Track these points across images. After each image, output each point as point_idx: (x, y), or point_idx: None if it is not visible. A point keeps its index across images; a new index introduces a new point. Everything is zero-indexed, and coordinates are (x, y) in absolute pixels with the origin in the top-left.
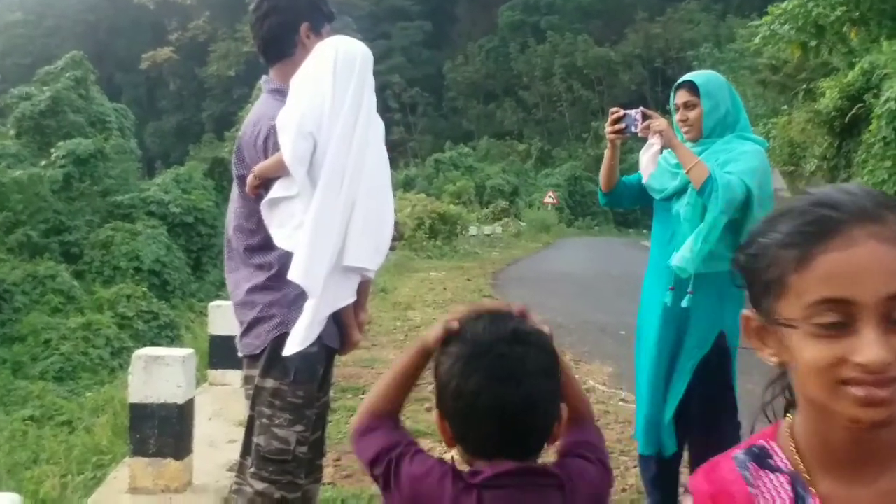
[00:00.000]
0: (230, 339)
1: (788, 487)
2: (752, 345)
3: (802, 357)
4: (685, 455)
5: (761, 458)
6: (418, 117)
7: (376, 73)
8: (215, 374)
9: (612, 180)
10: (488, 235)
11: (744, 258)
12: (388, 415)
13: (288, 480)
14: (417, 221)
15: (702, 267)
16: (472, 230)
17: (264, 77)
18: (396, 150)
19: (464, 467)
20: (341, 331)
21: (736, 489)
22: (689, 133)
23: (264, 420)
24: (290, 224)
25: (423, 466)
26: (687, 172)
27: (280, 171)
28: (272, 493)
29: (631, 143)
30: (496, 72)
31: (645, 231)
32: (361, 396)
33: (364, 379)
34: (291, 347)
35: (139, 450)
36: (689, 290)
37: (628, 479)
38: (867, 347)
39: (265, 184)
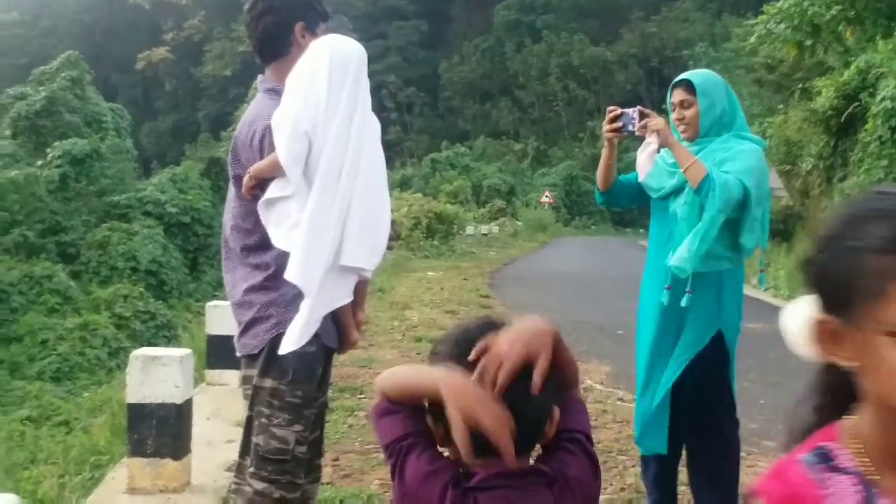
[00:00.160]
0: (228, 338)
1: (859, 488)
2: (819, 349)
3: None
4: (683, 454)
5: (827, 460)
6: (414, 117)
7: (372, 73)
8: (213, 374)
9: (609, 179)
10: (485, 235)
11: (823, 262)
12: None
13: (287, 480)
14: (414, 221)
15: (700, 266)
16: (469, 230)
17: (260, 76)
18: (393, 150)
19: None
20: (339, 330)
21: (807, 491)
22: (685, 132)
23: (263, 420)
24: (286, 224)
25: (431, 465)
26: (684, 171)
27: (276, 172)
28: (271, 493)
29: (627, 143)
30: (492, 71)
31: (642, 230)
32: (360, 396)
33: (362, 379)
34: (287, 346)
35: (137, 450)
36: (688, 289)
37: (627, 479)
38: None
39: (261, 184)
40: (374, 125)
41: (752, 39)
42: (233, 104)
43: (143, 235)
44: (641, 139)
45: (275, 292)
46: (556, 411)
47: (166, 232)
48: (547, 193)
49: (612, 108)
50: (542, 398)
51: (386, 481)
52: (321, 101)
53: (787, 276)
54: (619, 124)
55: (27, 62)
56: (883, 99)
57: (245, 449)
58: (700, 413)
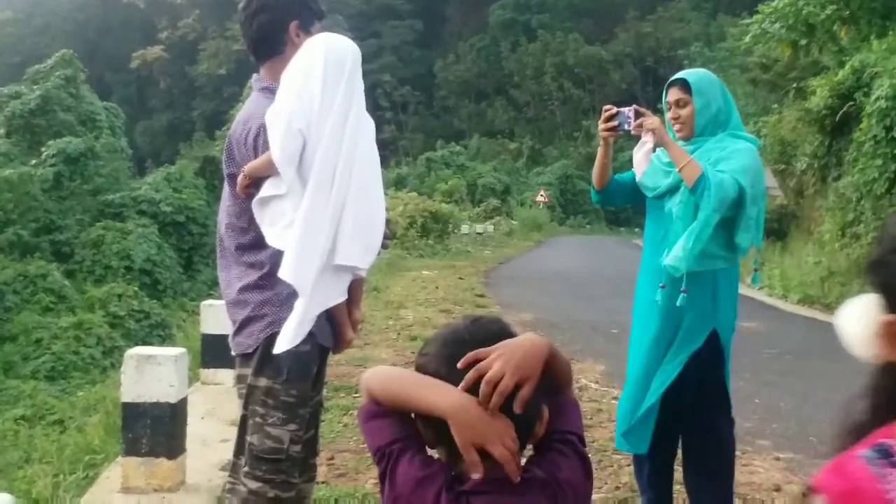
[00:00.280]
0: (222, 338)
1: None
2: (883, 349)
3: None
4: (678, 454)
5: (889, 456)
6: (409, 116)
7: (367, 72)
8: (207, 374)
9: (604, 178)
10: (480, 234)
11: (893, 262)
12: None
13: (282, 479)
14: (409, 220)
15: (694, 265)
16: (464, 229)
17: (255, 75)
18: (388, 149)
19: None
20: (334, 329)
21: (868, 486)
22: (680, 131)
23: (257, 419)
24: (280, 223)
25: (423, 470)
26: (679, 171)
27: (270, 170)
28: (266, 493)
29: (622, 142)
30: (487, 70)
31: (636, 229)
32: (355, 395)
33: (357, 378)
34: (281, 345)
35: (132, 449)
36: (683, 288)
37: (622, 478)
38: None
39: (256, 183)
40: (369, 124)
41: (747, 39)
42: (227, 103)
43: (138, 234)
44: (637, 138)
45: (269, 291)
46: (546, 411)
47: (161, 231)
48: (542, 193)
49: (607, 106)
50: (531, 401)
51: None
52: (316, 99)
53: (781, 275)
54: (615, 123)
55: (21, 61)
56: (877, 98)
57: (239, 448)
58: (695, 412)
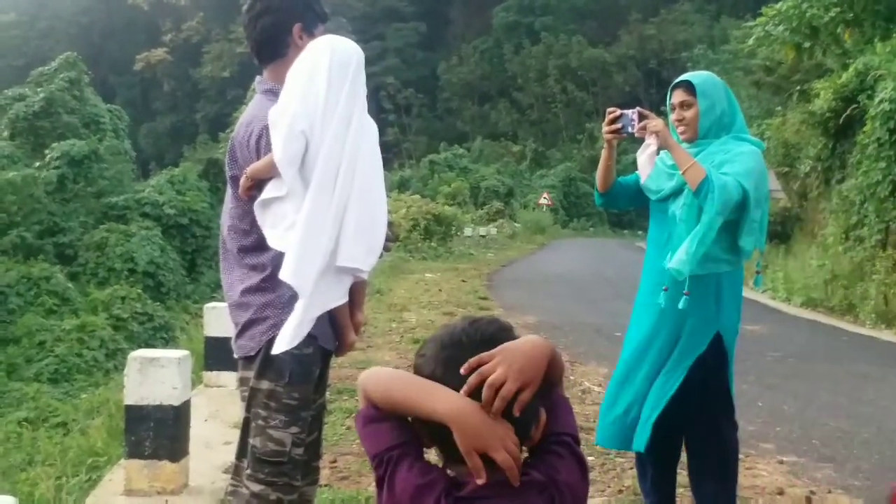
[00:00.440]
0: (225, 340)
1: None
2: None
3: None
4: (681, 457)
5: None
6: (413, 118)
7: (371, 75)
8: (210, 376)
9: (608, 180)
10: (483, 237)
11: None
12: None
13: (284, 482)
14: (412, 223)
15: (698, 268)
16: (467, 231)
17: (258, 77)
18: (391, 152)
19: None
20: (337, 332)
21: None
22: (684, 133)
23: (260, 422)
24: (282, 225)
25: (423, 478)
26: (683, 173)
27: (272, 172)
28: (268, 495)
29: (625, 145)
30: (490, 73)
31: (640, 232)
32: (358, 398)
33: None
34: (279, 346)
35: (135, 452)
36: (686, 291)
37: (625, 481)
38: None
39: (258, 184)
40: (372, 127)
41: (751, 41)
42: (231, 106)
43: (141, 237)
44: (640, 141)
45: (272, 293)
46: (543, 414)
47: (164, 233)
48: (545, 195)
49: (611, 109)
50: (530, 404)
51: None
52: (320, 101)
53: (784, 278)
54: (619, 126)
55: (25, 63)
56: (881, 101)
57: (242, 451)
58: (699, 415)
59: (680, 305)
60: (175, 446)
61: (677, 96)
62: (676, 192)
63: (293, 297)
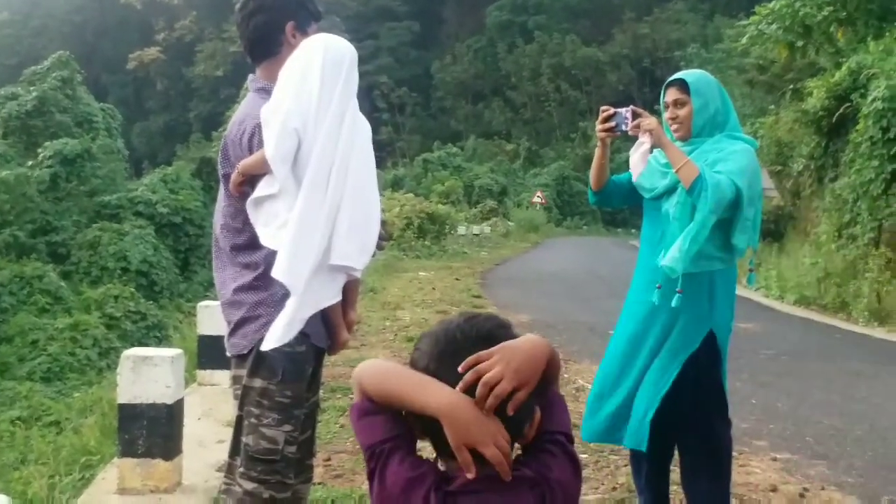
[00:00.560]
0: (219, 339)
1: None
2: None
3: None
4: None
5: None
6: (406, 117)
7: (364, 74)
8: (204, 375)
9: (602, 179)
10: (477, 235)
11: None
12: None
13: (277, 480)
14: (406, 221)
15: (691, 266)
16: (461, 230)
17: (251, 76)
18: (384, 150)
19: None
20: (329, 331)
21: None
22: (678, 131)
23: (252, 420)
24: (274, 223)
25: (413, 471)
26: (676, 172)
27: (264, 168)
28: (261, 493)
29: (619, 143)
30: (484, 72)
31: (633, 230)
32: (351, 396)
33: None
34: (268, 343)
35: (128, 450)
36: (678, 289)
37: (619, 478)
38: None
39: (250, 181)
40: (365, 125)
41: (744, 40)
42: (224, 104)
43: (134, 236)
44: (634, 139)
45: (264, 292)
46: (538, 412)
47: (157, 232)
48: (539, 194)
49: (605, 107)
50: (525, 404)
51: None
52: (313, 98)
53: (777, 276)
54: (612, 124)
55: (18, 62)
56: (874, 100)
57: (235, 449)
58: (692, 413)
59: (673, 303)
60: (168, 445)
61: (671, 94)
62: (670, 191)
63: (286, 296)
